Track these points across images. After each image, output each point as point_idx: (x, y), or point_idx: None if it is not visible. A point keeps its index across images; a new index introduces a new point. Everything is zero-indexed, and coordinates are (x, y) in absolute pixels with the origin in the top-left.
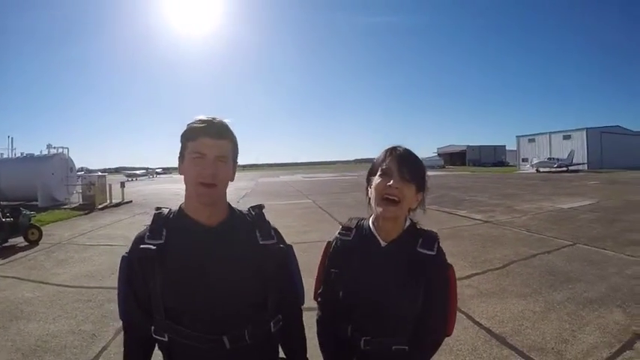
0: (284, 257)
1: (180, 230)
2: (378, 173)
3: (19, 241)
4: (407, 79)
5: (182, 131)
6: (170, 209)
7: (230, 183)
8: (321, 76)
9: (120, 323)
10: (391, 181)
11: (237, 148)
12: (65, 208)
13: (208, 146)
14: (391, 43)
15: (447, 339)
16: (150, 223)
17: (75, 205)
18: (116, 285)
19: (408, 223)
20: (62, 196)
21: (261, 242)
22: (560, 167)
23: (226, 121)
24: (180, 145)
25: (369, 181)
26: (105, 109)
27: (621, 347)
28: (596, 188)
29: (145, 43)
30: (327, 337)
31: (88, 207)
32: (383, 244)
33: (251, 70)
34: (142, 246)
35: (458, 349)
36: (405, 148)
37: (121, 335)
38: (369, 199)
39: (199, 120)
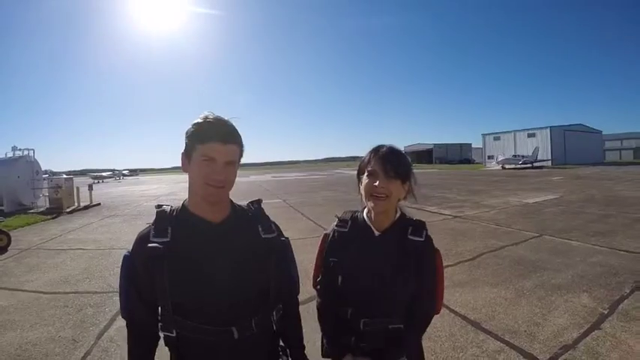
0: (284, 249)
1: (186, 227)
2: (366, 174)
3: None
4: (373, 80)
5: (188, 129)
6: (171, 207)
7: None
8: (287, 75)
9: (99, 328)
10: (377, 182)
11: (243, 150)
12: (32, 213)
13: (219, 151)
14: (359, 44)
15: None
16: (153, 222)
17: (42, 209)
18: (91, 290)
19: (398, 214)
20: (28, 200)
21: (263, 236)
22: (525, 164)
23: (230, 120)
24: (186, 143)
25: (359, 180)
26: (70, 110)
27: (589, 327)
28: (560, 183)
29: (114, 42)
30: (328, 319)
31: (56, 211)
32: (377, 233)
33: (221, 71)
34: (149, 245)
35: (436, 336)
36: (389, 147)
37: (103, 340)
38: (361, 195)
39: (206, 121)
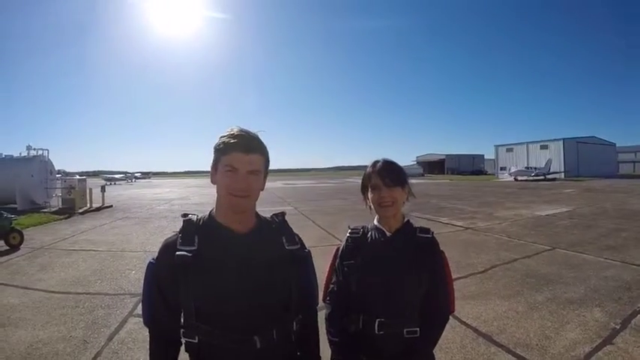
0: (306, 261)
1: (213, 237)
2: (370, 189)
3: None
4: (385, 89)
5: (216, 143)
6: (197, 216)
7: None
8: (299, 86)
9: (110, 330)
10: (382, 194)
11: (269, 160)
12: (45, 212)
13: (240, 161)
14: (370, 50)
15: None
16: (180, 230)
17: (54, 208)
18: (103, 291)
19: (406, 219)
20: (41, 200)
21: (287, 247)
22: (538, 176)
23: (257, 132)
24: (213, 156)
25: (364, 195)
26: (85, 112)
27: (601, 342)
28: (572, 196)
29: (127, 45)
30: (336, 330)
31: (68, 211)
32: (388, 234)
33: (233, 76)
34: (177, 253)
35: (447, 347)
36: (384, 161)
37: (114, 342)
38: (370, 207)
39: (231, 134)
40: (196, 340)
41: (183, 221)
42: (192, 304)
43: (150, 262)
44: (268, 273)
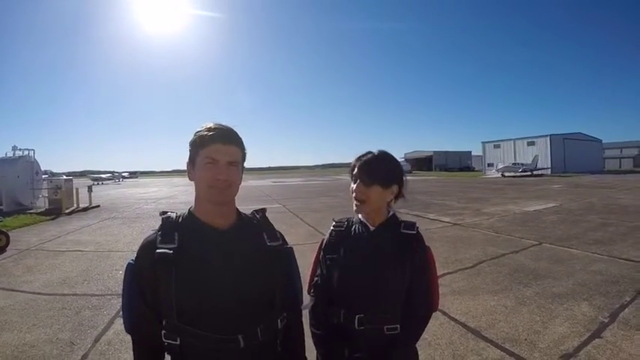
0: (289, 257)
1: (193, 234)
2: (352, 179)
3: None
4: (374, 86)
5: (191, 139)
6: (176, 213)
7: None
8: (287, 80)
9: (97, 331)
10: (355, 188)
11: (245, 153)
12: (31, 213)
13: (220, 152)
14: (359, 48)
15: (423, 334)
16: (159, 228)
17: (41, 209)
18: (90, 292)
19: (391, 213)
20: (27, 201)
21: (268, 244)
22: (525, 172)
23: (233, 127)
24: (190, 151)
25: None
26: (71, 111)
27: (590, 336)
28: (559, 191)
29: (116, 44)
30: (318, 323)
31: (55, 212)
32: (372, 228)
33: (222, 75)
34: (157, 251)
35: (436, 343)
36: (373, 154)
37: (101, 343)
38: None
39: (208, 128)
40: (178, 342)
41: (162, 219)
42: (174, 304)
43: (129, 263)
44: (250, 269)
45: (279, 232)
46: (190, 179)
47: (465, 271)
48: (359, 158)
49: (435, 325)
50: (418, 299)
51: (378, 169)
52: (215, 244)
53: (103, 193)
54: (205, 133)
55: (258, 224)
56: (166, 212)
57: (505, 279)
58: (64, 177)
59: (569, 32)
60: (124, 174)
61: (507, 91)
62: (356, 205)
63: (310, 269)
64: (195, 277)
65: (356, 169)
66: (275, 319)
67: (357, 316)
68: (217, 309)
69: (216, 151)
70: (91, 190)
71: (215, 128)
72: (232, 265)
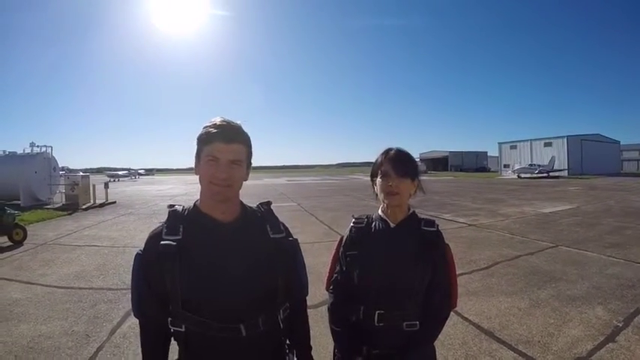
0: (293, 250)
1: (197, 226)
2: (379, 175)
3: (3, 240)
4: (389, 85)
5: (198, 134)
6: (183, 206)
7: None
8: (305, 82)
9: (112, 324)
10: (390, 182)
11: (251, 150)
12: (48, 208)
13: (221, 151)
14: (375, 48)
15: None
16: (165, 221)
17: (58, 205)
18: (105, 286)
19: (411, 210)
20: (45, 196)
21: (272, 236)
22: (541, 173)
23: (238, 122)
24: (197, 146)
25: (373, 182)
26: (88, 109)
27: (604, 340)
28: (576, 193)
29: (131, 42)
30: (339, 321)
31: (72, 207)
32: (392, 225)
33: (238, 72)
34: (162, 242)
35: (449, 344)
36: (397, 150)
37: (116, 336)
38: (376, 194)
39: (213, 124)
40: (183, 329)
41: (169, 212)
42: (179, 293)
43: (137, 254)
44: (253, 261)
45: (284, 225)
46: (196, 173)
47: (479, 272)
48: (386, 154)
49: (449, 325)
50: (438, 296)
51: (407, 163)
52: (218, 237)
53: (119, 189)
54: (210, 129)
55: (262, 217)
56: (173, 205)
57: (520, 281)
58: (81, 173)
59: (588, 33)
60: (140, 171)
61: (525, 91)
62: (388, 198)
63: (328, 267)
64: (198, 268)
65: (384, 165)
66: (277, 309)
67: (377, 312)
68: (220, 299)
69: (218, 150)
70: (108, 187)
71: (220, 125)
72: (235, 257)
